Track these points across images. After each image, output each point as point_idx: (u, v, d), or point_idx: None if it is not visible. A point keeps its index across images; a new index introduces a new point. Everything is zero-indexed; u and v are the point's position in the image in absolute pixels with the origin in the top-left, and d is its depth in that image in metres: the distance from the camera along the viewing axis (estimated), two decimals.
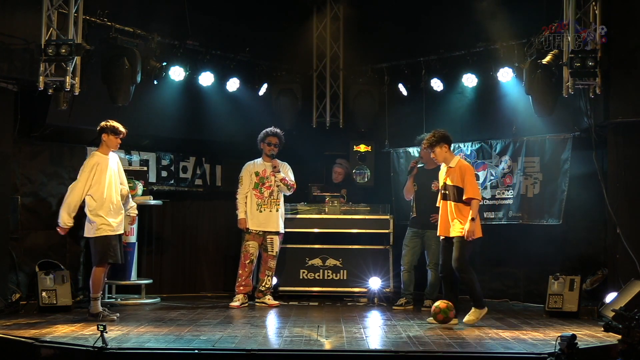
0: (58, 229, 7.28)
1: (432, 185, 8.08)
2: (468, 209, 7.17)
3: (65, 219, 7.19)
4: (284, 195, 8.79)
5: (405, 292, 8.46)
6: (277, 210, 8.68)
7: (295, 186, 8.78)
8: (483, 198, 9.10)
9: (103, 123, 7.37)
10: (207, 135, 9.61)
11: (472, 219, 7.11)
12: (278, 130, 8.75)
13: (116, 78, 7.87)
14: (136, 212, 7.84)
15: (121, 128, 7.36)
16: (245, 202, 8.64)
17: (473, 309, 7.22)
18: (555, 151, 8.55)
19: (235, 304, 8.44)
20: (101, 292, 7.54)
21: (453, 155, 7.44)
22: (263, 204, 8.63)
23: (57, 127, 8.18)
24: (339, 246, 9.13)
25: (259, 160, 8.77)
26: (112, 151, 7.47)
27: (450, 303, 7.08)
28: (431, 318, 7.19)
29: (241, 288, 8.58)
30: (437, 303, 7.15)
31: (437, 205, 7.49)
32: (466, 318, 7.17)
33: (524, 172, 8.78)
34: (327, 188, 9.62)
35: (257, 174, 8.68)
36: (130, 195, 7.73)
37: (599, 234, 8.34)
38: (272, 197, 8.67)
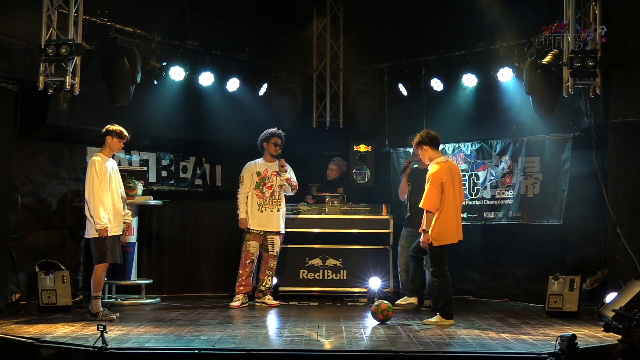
0: (100, 233, 7.22)
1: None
2: (429, 216, 7.19)
3: (100, 219, 7.20)
4: (285, 195, 8.80)
5: (404, 291, 8.46)
6: (279, 210, 8.68)
7: (297, 187, 8.80)
8: (483, 198, 9.13)
9: (109, 126, 7.44)
10: (207, 135, 9.61)
11: (424, 231, 7.20)
12: (281, 131, 8.77)
13: (116, 78, 7.86)
14: (131, 219, 7.85)
15: (126, 133, 7.45)
16: (247, 202, 8.65)
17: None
18: (555, 151, 8.54)
19: (235, 304, 8.44)
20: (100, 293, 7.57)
21: (439, 155, 7.42)
22: (264, 203, 8.63)
23: (57, 127, 8.17)
24: (339, 246, 9.13)
25: (260, 160, 8.77)
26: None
27: (390, 304, 7.25)
28: (428, 319, 7.22)
29: (241, 288, 8.58)
30: (377, 302, 7.30)
31: None
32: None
33: (524, 172, 8.78)
34: (322, 187, 9.57)
35: (258, 173, 8.68)
36: (125, 201, 7.74)
37: (599, 234, 8.34)
38: (273, 197, 8.67)
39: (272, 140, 8.69)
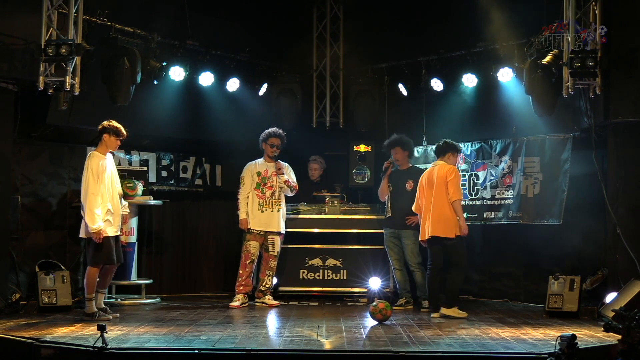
0: (94, 236, 7.13)
1: (407, 184, 8.16)
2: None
3: (93, 223, 7.10)
4: (285, 196, 8.80)
5: (402, 291, 8.49)
6: (279, 211, 8.68)
7: (297, 187, 8.79)
8: (483, 198, 9.15)
9: (105, 123, 7.38)
10: (207, 135, 9.61)
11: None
12: (280, 131, 8.75)
13: (116, 78, 7.85)
14: (127, 210, 7.81)
15: (123, 130, 7.39)
16: (247, 203, 8.64)
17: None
18: (555, 151, 8.54)
19: (235, 304, 8.44)
20: (106, 291, 7.56)
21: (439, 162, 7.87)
22: (265, 204, 8.63)
23: (57, 127, 8.18)
24: (339, 246, 9.13)
25: (260, 160, 8.77)
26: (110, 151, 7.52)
27: (387, 303, 7.33)
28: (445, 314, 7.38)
29: (241, 288, 8.58)
30: (374, 303, 7.32)
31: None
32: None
33: (524, 172, 8.77)
34: (305, 187, 9.43)
35: (258, 174, 8.68)
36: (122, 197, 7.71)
37: (599, 234, 8.33)
38: (273, 197, 8.67)
39: (269, 141, 8.69)
